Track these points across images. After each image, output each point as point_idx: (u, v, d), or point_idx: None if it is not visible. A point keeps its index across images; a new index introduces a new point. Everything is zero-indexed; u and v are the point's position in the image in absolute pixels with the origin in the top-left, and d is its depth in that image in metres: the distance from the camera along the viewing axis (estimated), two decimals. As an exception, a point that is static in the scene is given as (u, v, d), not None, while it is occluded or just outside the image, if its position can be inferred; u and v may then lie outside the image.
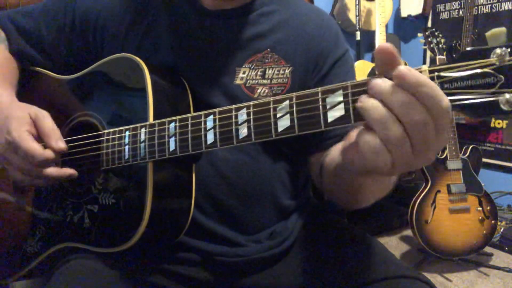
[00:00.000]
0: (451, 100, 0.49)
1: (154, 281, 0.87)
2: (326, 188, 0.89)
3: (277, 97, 0.61)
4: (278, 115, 0.60)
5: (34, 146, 0.78)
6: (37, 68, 1.00)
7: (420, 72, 0.50)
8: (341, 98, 0.55)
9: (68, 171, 0.82)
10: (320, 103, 0.56)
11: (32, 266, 0.91)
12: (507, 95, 0.47)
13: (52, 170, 0.80)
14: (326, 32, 0.96)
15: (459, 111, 0.50)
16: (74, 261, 0.82)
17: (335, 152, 0.83)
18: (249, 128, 0.64)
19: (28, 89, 1.00)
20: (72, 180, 0.88)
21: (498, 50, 0.47)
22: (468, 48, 0.49)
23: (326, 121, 0.56)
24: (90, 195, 0.84)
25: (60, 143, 0.81)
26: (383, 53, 0.51)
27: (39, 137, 0.81)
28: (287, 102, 0.59)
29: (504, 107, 0.47)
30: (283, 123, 0.60)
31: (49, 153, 0.79)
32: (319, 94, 0.56)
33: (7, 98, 0.88)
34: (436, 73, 0.50)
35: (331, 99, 0.55)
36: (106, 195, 0.82)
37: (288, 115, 0.59)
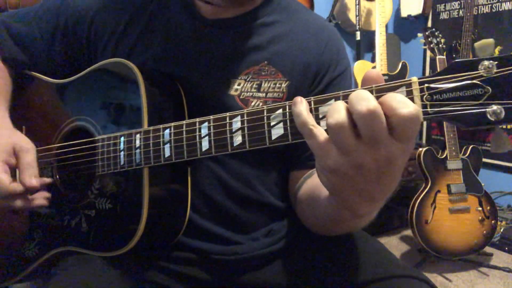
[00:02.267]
0: (440, 111, 0.50)
1: (152, 280, 0.88)
2: (300, 211, 0.88)
3: (271, 106, 0.61)
4: (272, 124, 0.61)
5: (2, 179, 0.79)
6: (32, 72, 1.00)
7: (410, 83, 0.51)
8: None
9: (37, 202, 0.83)
10: (313, 112, 0.56)
11: (31, 269, 0.91)
12: (494, 106, 0.48)
13: (18, 203, 0.81)
14: (327, 47, 0.93)
15: (449, 121, 0.50)
16: (73, 261, 0.83)
17: (314, 177, 0.83)
18: (243, 136, 0.64)
19: (22, 94, 0.99)
20: (68, 185, 0.89)
21: (486, 63, 0.48)
22: (457, 60, 0.50)
23: None
24: (86, 200, 0.84)
25: (33, 181, 0.81)
26: (369, 80, 0.54)
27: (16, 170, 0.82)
28: (280, 110, 0.60)
29: (491, 118, 0.48)
30: (277, 131, 0.60)
31: (14, 187, 0.79)
32: (312, 103, 0.56)
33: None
34: (426, 85, 0.50)
35: (324, 108, 0.55)
36: (103, 200, 0.82)
37: (281, 124, 0.60)
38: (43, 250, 0.90)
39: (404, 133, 0.49)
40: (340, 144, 0.51)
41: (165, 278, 0.89)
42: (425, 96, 0.50)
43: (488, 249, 2.38)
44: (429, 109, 0.51)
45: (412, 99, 0.51)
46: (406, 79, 0.51)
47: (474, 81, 0.49)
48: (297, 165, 0.92)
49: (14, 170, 0.83)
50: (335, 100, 0.55)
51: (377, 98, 0.49)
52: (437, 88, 0.50)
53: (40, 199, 0.83)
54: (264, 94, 0.88)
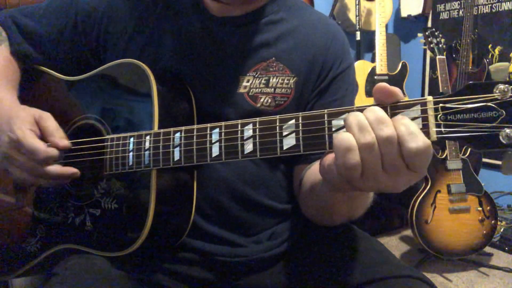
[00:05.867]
0: (453, 132, 0.51)
1: (155, 280, 0.88)
2: (302, 201, 0.90)
3: (283, 116, 0.62)
4: (284, 134, 0.61)
5: (38, 143, 0.79)
6: (41, 68, 1.00)
7: (425, 102, 0.52)
8: None
9: (71, 169, 0.83)
10: (326, 125, 0.57)
11: (32, 265, 0.92)
12: (507, 130, 0.49)
13: (55, 168, 0.81)
14: (333, 43, 0.95)
15: (461, 142, 0.51)
16: (74, 260, 0.82)
17: (316, 166, 0.84)
18: (254, 144, 0.65)
19: (31, 89, 1.00)
20: (74, 183, 0.89)
21: (501, 86, 0.49)
22: (472, 82, 0.51)
23: (331, 142, 0.57)
24: (92, 199, 0.84)
25: (64, 141, 0.82)
26: (381, 91, 0.55)
27: (43, 137, 0.82)
28: (293, 121, 0.60)
29: (503, 141, 0.50)
30: (289, 141, 0.61)
31: (52, 150, 0.80)
32: (325, 116, 0.57)
33: (9, 102, 0.88)
34: (440, 104, 0.51)
35: (337, 122, 0.56)
36: (109, 200, 0.82)
37: (293, 134, 0.60)
38: (45, 247, 0.90)
39: (414, 164, 0.52)
40: (368, 169, 0.53)
41: (167, 278, 0.89)
42: (439, 116, 0.51)
43: (488, 249, 2.38)
44: (442, 129, 0.52)
45: (426, 118, 0.52)
46: (421, 98, 0.52)
47: (488, 104, 0.50)
48: (301, 160, 0.93)
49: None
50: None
51: (391, 116, 0.50)
52: (451, 108, 0.51)
53: (72, 167, 0.83)
54: (272, 90, 0.89)
